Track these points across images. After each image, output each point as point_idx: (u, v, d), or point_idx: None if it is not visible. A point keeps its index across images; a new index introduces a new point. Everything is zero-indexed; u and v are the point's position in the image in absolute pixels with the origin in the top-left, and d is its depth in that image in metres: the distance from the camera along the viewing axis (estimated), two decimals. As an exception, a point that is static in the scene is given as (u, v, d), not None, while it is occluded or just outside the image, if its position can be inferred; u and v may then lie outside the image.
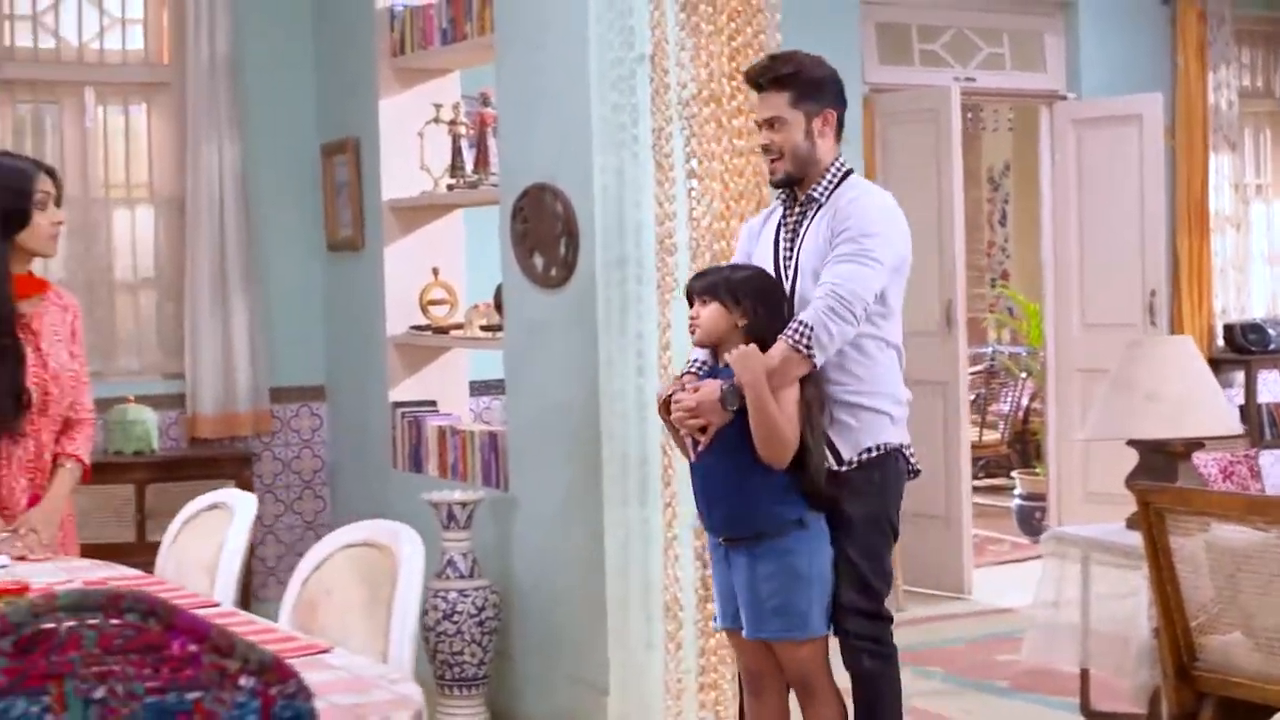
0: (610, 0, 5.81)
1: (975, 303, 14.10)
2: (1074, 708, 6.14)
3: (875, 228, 4.64)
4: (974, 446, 10.71)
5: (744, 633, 4.73)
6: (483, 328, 6.90)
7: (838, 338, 4.57)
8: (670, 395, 4.70)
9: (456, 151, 7.18)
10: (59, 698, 2.04)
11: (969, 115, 12.56)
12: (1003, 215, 15.41)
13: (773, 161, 4.80)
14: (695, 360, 4.82)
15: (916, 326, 9.01)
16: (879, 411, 4.76)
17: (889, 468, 4.80)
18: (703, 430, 4.60)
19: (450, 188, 7.22)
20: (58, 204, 4.81)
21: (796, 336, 4.55)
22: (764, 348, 4.57)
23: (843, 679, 4.84)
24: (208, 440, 8.06)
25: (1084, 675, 6.02)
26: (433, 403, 7.48)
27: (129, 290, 8.20)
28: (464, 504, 6.43)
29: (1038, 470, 10.88)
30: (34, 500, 4.74)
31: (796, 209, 4.81)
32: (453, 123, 7.24)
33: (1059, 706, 6.53)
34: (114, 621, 2.04)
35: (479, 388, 8.10)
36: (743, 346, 4.54)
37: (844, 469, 4.72)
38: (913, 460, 4.88)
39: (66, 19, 8.05)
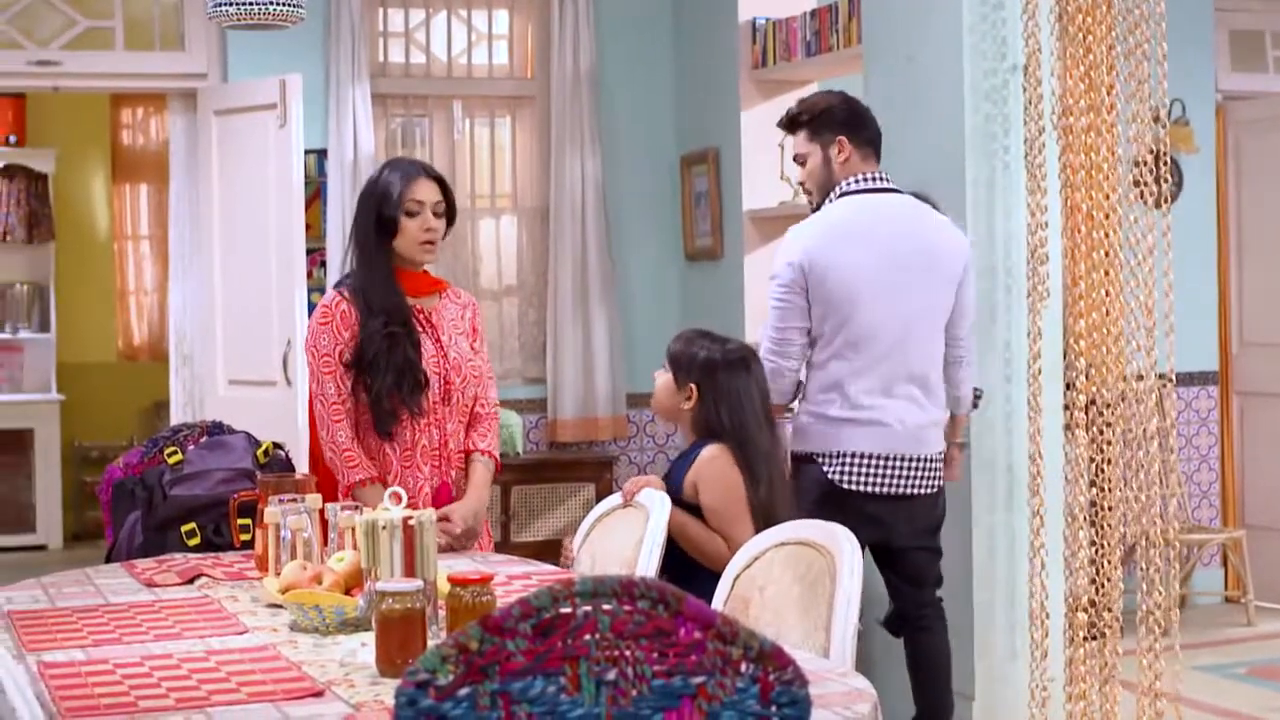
0: (984, 13, 5.86)
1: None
2: None
3: (777, 262, 5.20)
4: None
5: None
6: (843, 336, 6.94)
7: (773, 377, 5.13)
8: None
9: (818, 162, 7.26)
10: (574, 678, 2.10)
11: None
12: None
13: (806, 194, 5.44)
14: None
15: (1262, 338, 8.86)
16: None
17: (800, 474, 5.27)
18: None
19: (811, 197, 7.30)
20: (447, 213, 4.74)
21: None
22: (712, 435, 4.78)
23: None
24: (566, 444, 8.27)
25: None
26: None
27: (493, 297, 8.44)
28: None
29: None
30: (440, 490, 4.72)
31: None
32: (814, 133, 7.32)
33: None
34: (627, 607, 2.10)
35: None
36: None
37: None
38: (837, 477, 5.28)
39: (436, 35, 8.35)
